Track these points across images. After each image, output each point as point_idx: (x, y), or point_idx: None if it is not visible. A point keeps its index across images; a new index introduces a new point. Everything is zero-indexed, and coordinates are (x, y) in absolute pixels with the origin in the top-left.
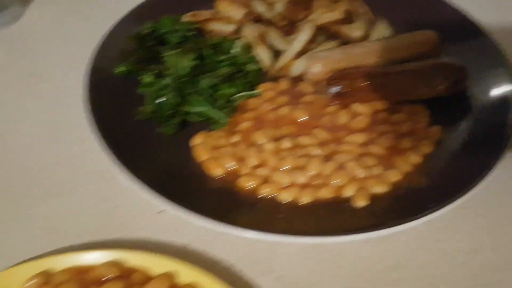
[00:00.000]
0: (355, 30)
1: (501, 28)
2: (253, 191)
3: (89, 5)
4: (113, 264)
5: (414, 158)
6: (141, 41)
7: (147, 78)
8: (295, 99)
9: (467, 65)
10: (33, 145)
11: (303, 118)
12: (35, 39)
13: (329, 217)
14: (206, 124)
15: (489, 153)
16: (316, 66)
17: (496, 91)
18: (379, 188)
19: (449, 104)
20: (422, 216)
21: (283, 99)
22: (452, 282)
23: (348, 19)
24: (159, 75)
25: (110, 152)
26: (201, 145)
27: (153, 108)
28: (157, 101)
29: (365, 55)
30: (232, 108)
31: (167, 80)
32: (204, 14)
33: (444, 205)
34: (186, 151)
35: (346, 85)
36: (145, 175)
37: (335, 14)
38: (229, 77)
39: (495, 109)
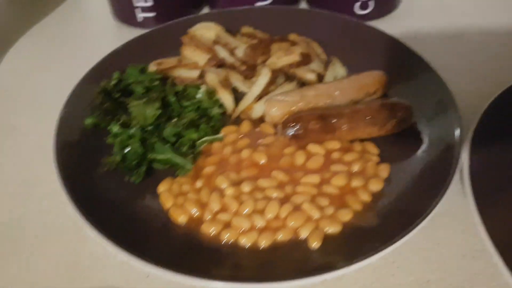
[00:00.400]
0: (309, 74)
1: (449, 66)
2: (216, 237)
3: (59, 59)
4: None
5: (364, 197)
6: (107, 93)
7: (114, 128)
8: (255, 141)
9: (416, 102)
10: (1, 199)
11: (262, 160)
12: (5, 93)
13: (287, 261)
14: (172, 170)
15: (434, 189)
16: (274, 110)
17: (442, 128)
18: (332, 228)
19: (398, 141)
20: (372, 255)
21: (244, 142)
22: None
23: (305, 59)
24: (126, 125)
25: (77, 208)
26: (166, 192)
27: (120, 158)
28: (124, 151)
29: (318, 97)
30: (196, 154)
31: (132, 130)
32: (170, 61)
33: (392, 242)
34: (154, 198)
35: (301, 127)
36: (111, 229)
37: (291, 58)
38: (193, 122)
39: (441, 145)
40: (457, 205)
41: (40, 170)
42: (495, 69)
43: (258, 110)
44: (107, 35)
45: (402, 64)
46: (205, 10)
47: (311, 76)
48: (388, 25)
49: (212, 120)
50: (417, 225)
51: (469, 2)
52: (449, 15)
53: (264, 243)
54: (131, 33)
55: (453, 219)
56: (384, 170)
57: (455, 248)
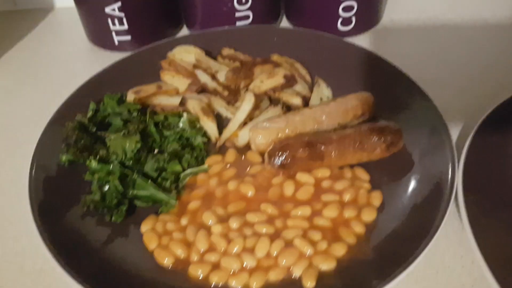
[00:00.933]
0: (294, 98)
1: (435, 82)
2: (205, 280)
3: (33, 84)
4: None
5: (358, 229)
6: (83, 128)
7: (92, 164)
8: (242, 171)
9: (404, 123)
10: None
11: (250, 192)
12: None
13: None
14: (155, 207)
15: (431, 216)
16: (259, 138)
17: (433, 150)
18: (327, 265)
19: (388, 165)
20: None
21: (230, 172)
22: None
23: (289, 81)
24: (105, 160)
25: (52, 252)
26: (149, 232)
27: (99, 197)
28: (103, 189)
29: (305, 122)
30: (180, 188)
31: (111, 166)
32: (148, 89)
33: (391, 279)
34: (137, 239)
35: (288, 156)
36: (90, 276)
37: (275, 80)
38: (175, 153)
39: (433, 168)
40: (454, 229)
41: (14, 208)
42: (482, 83)
43: (243, 137)
44: (83, 59)
45: (388, 84)
46: (183, 31)
47: (296, 101)
48: (371, 40)
49: (196, 150)
50: (414, 259)
51: (450, 14)
52: (430, 28)
53: (255, 284)
54: (108, 56)
55: (450, 244)
56: (377, 198)
57: (454, 276)
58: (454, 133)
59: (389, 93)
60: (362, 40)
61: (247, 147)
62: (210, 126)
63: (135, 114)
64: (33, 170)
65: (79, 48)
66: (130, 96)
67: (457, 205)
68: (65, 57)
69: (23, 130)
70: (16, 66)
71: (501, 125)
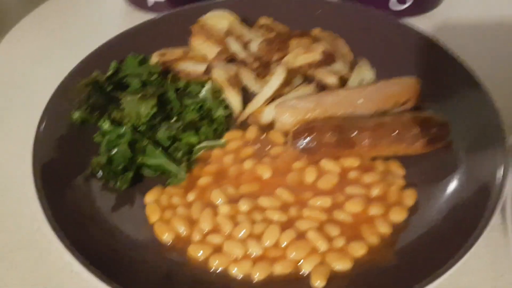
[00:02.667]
0: (330, 76)
1: (497, 81)
2: (204, 262)
3: (63, 42)
4: None
5: (383, 229)
6: (98, 86)
7: (104, 125)
8: (261, 151)
9: (453, 118)
10: None
11: (266, 175)
12: (5, 75)
13: None
14: (163, 179)
15: (469, 227)
16: (285, 116)
17: (484, 151)
18: (341, 265)
19: (428, 162)
20: None
21: (248, 151)
22: None
23: (328, 59)
24: (117, 122)
25: (49, 218)
26: (153, 204)
27: (106, 160)
28: (111, 152)
29: (338, 105)
30: (191, 161)
31: (123, 129)
32: (174, 53)
33: None
34: (140, 209)
35: (314, 139)
36: (86, 248)
37: (311, 56)
38: (193, 124)
39: (480, 174)
40: (496, 244)
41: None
42: None
43: (268, 114)
44: (116, 18)
45: (441, 72)
46: None
47: (332, 80)
48: (428, 24)
49: (215, 122)
50: (444, 272)
51: None
52: (500, 12)
53: (258, 275)
54: (142, 18)
55: (489, 262)
56: (410, 197)
57: None
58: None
59: (440, 81)
60: (416, 23)
61: (271, 125)
62: (234, 99)
63: (155, 76)
64: (42, 126)
65: (114, 7)
66: (154, 58)
67: (503, 217)
68: (98, 16)
69: (47, 86)
70: (49, 21)
71: None
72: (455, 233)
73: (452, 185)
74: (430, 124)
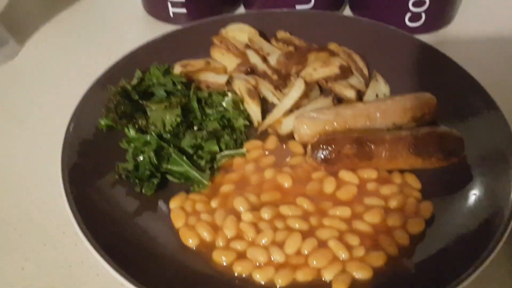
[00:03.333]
0: (348, 90)
1: (510, 99)
2: (228, 268)
3: (83, 50)
4: None
5: (402, 239)
6: (125, 94)
7: (130, 132)
8: (281, 160)
9: (468, 134)
10: None
11: (287, 184)
12: (22, 81)
13: None
14: (187, 184)
15: (485, 240)
16: (305, 127)
17: (497, 166)
18: (361, 274)
19: (443, 176)
20: None
21: (269, 160)
22: None
23: (345, 73)
24: (142, 130)
25: (76, 218)
26: (177, 210)
27: (132, 166)
28: (138, 159)
29: (356, 117)
30: (214, 169)
31: (149, 137)
32: (196, 64)
33: None
34: (164, 214)
35: (333, 150)
36: (111, 248)
37: (329, 70)
38: (215, 133)
39: (494, 190)
40: (510, 260)
41: (47, 168)
42: None
43: (287, 125)
44: (136, 28)
45: (456, 89)
46: (240, 10)
47: (350, 93)
48: (441, 40)
49: (236, 132)
50: (459, 283)
51: None
52: (507, 36)
53: (281, 282)
54: (162, 28)
55: (503, 277)
56: (427, 210)
57: None
58: None
59: (455, 98)
60: (431, 39)
61: (290, 136)
62: (253, 109)
63: (179, 87)
64: (70, 131)
65: (134, 16)
66: (177, 69)
67: None
68: (118, 25)
69: (69, 91)
70: (67, 30)
71: None
72: (471, 245)
73: (467, 199)
74: (446, 140)
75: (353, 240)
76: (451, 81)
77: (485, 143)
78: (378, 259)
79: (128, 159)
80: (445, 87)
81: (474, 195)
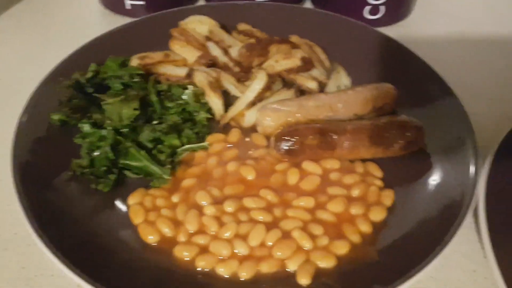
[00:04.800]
0: (310, 81)
1: (466, 83)
2: (190, 263)
3: (38, 45)
4: None
5: (364, 227)
6: (79, 87)
7: (84, 127)
8: (244, 153)
9: (427, 122)
10: None
11: (250, 176)
12: None
13: None
14: (146, 180)
15: (445, 225)
16: (267, 119)
17: (456, 154)
18: (325, 263)
19: (404, 164)
20: None
21: (232, 153)
22: None
23: (306, 65)
24: (98, 125)
25: (30, 218)
26: (136, 206)
27: (87, 162)
28: (93, 154)
29: (319, 108)
30: (175, 163)
31: (104, 132)
32: (155, 56)
33: (393, 286)
34: (123, 212)
35: (296, 141)
36: (67, 248)
37: (291, 62)
38: (175, 127)
39: (454, 174)
40: (469, 242)
41: None
42: None
43: (250, 118)
44: (93, 22)
45: (415, 79)
46: (200, 2)
47: (312, 84)
48: (400, 33)
49: (197, 125)
50: (423, 267)
51: (495, 10)
52: (467, 22)
53: (245, 274)
54: (118, 21)
55: (463, 258)
56: (388, 197)
57: None
58: (481, 139)
59: (415, 88)
60: (390, 32)
61: (253, 129)
62: (215, 102)
63: (136, 79)
64: (21, 127)
65: (90, 10)
66: (134, 62)
67: (475, 215)
68: (74, 19)
69: (22, 87)
70: (24, 22)
71: None
72: (432, 231)
73: (427, 186)
74: (405, 128)
75: (317, 230)
76: (410, 71)
77: (444, 130)
78: (342, 248)
79: (82, 155)
80: (405, 77)
81: (434, 181)
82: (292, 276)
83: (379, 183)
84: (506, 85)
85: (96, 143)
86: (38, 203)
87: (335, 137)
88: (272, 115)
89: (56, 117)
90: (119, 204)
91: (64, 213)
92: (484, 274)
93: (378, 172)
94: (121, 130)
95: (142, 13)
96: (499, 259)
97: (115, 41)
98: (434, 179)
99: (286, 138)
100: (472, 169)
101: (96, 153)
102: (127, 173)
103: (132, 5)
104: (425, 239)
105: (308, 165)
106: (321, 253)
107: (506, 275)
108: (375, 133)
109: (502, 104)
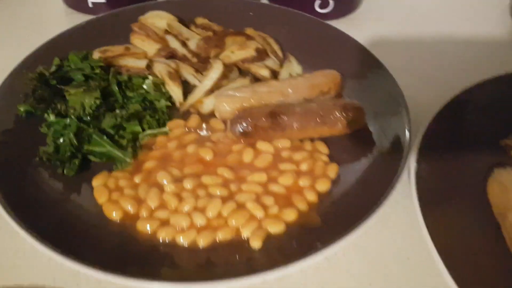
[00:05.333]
0: (263, 70)
1: (404, 70)
2: (152, 235)
3: (2, 43)
4: None
5: (311, 197)
6: (44, 80)
7: (50, 117)
8: (202, 137)
9: (368, 103)
10: None
11: (208, 157)
12: None
13: (228, 261)
14: (110, 164)
15: (380, 190)
16: (224, 105)
17: (392, 130)
18: (275, 228)
19: (348, 142)
20: (312, 254)
21: (191, 137)
22: None
23: (261, 55)
24: (62, 115)
25: (1, 200)
26: (100, 187)
27: (53, 149)
28: (58, 141)
29: (271, 94)
30: (137, 147)
31: (68, 120)
32: (116, 49)
33: (333, 241)
34: (89, 193)
35: (250, 124)
36: (38, 225)
37: (246, 52)
38: (136, 114)
39: (390, 147)
40: (405, 207)
41: None
42: (449, 76)
43: (208, 104)
44: (56, 20)
45: (358, 65)
46: None
47: (265, 72)
48: (348, 25)
49: (158, 112)
50: (359, 224)
51: (433, 6)
52: (409, 18)
53: (203, 242)
54: (81, 19)
55: (399, 222)
56: (333, 170)
57: (400, 251)
58: (416, 118)
59: (358, 74)
60: (339, 25)
61: (212, 115)
62: (175, 91)
63: (97, 71)
64: None
65: (53, 9)
66: (96, 55)
67: (409, 185)
68: (38, 17)
69: None
70: None
71: (459, 113)
72: (369, 195)
73: (368, 159)
74: (348, 109)
75: (269, 201)
76: (354, 59)
77: (383, 110)
78: (290, 215)
79: (48, 143)
80: (349, 64)
81: (373, 156)
82: (245, 242)
83: (325, 158)
84: (438, 69)
85: (60, 131)
86: (10, 189)
87: (285, 118)
88: (228, 101)
89: (22, 108)
90: (85, 186)
91: (35, 197)
92: (419, 234)
93: (324, 149)
94: (84, 119)
95: (103, 10)
96: (427, 221)
97: (78, 37)
98: (374, 152)
99: (241, 121)
100: (405, 141)
101: (61, 140)
102: (91, 157)
103: (93, 3)
104: (362, 203)
105: (261, 145)
106: (272, 220)
107: (433, 236)
108: (321, 113)
109: (437, 85)
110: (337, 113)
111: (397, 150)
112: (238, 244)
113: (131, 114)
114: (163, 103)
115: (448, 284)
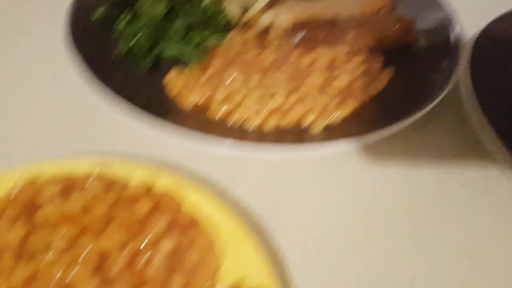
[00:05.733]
0: None
1: None
2: (224, 119)
3: None
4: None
5: (371, 90)
6: None
7: (123, 20)
8: (262, 45)
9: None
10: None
11: (269, 60)
12: None
13: (291, 141)
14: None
15: (434, 91)
16: (281, 17)
17: (442, 42)
18: (337, 115)
19: (402, 51)
20: (369, 134)
21: (251, 44)
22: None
23: None
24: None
25: (94, 79)
26: (174, 80)
27: (128, 48)
28: (133, 40)
29: (327, 7)
30: (204, 49)
31: (141, 22)
32: None
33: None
34: (160, 91)
35: (307, 33)
36: (126, 99)
37: None
38: (202, 22)
39: (442, 55)
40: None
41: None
42: None
43: (266, 19)
44: None
45: None
46: None
47: None
48: None
49: (217, 28)
50: (408, 118)
51: None
52: None
53: (271, 124)
54: None
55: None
56: (388, 72)
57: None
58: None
59: None
60: None
61: (267, 30)
62: (233, 7)
63: None
64: (70, 28)
65: None
66: None
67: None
68: None
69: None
70: None
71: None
72: (420, 96)
73: (421, 64)
74: (400, 20)
75: (331, 91)
76: None
77: (432, 26)
78: (351, 104)
79: (124, 43)
80: None
81: (425, 61)
82: (308, 128)
83: (380, 64)
84: None
85: (136, 30)
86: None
87: (341, 28)
88: (286, 13)
89: (99, 11)
90: (157, 83)
91: (118, 82)
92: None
93: (379, 56)
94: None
95: None
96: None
97: None
98: (426, 60)
99: (299, 29)
100: (456, 47)
101: (137, 37)
102: (164, 53)
103: None
104: (415, 99)
105: (319, 51)
106: (334, 108)
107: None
108: (376, 24)
109: None
110: (391, 24)
111: (449, 56)
112: (301, 129)
113: (197, 23)
114: (223, 17)
115: None
